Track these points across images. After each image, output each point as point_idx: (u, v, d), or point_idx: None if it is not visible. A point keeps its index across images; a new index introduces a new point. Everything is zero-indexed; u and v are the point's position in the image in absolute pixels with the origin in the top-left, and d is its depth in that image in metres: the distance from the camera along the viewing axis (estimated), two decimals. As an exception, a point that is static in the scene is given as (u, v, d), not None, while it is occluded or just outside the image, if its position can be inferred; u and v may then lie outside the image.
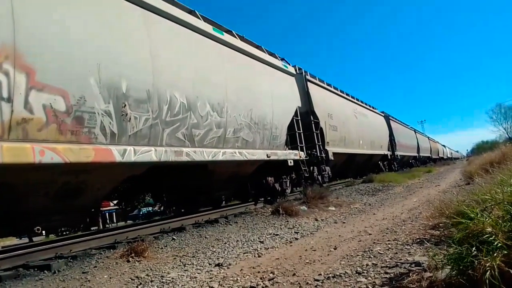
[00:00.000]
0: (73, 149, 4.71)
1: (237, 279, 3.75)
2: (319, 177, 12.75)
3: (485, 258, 2.21)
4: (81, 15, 5.13)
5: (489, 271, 2.12)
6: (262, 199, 10.87)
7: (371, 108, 23.30)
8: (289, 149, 11.01)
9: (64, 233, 7.61)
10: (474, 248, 2.37)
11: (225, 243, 5.69)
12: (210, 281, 3.80)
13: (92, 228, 8.88)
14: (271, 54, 11.24)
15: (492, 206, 2.88)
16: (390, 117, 27.62)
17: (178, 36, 7.10)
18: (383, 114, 26.43)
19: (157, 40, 6.41)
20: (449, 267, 2.46)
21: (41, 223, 5.20)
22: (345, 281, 3.24)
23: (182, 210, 9.79)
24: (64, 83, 4.69)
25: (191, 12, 7.94)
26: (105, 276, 4.27)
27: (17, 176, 4.55)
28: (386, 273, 3.22)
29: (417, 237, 4.40)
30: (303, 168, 11.44)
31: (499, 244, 2.31)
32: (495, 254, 2.23)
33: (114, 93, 5.38)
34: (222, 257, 4.81)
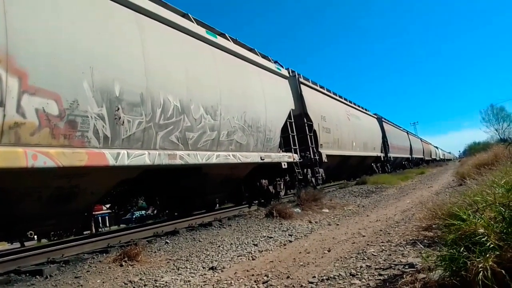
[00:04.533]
0: (66, 153, 4.68)
1: (231, 283, 3.74)
2: (313, 179, 12.78)
3: (477, 259, 2.23)
4: (74, 19, 5.11)
5: (481, 272, 2.14)
6: (256, 201, 10.86)
7: (364, 110, 23.41)
8: (283, 151, 11.03)
9: (56, 237, 7.53)
10: (466, 249, 2.39)
11: (219, 246, 5.68)
12: (204, 285, 3.79)
13: (84, 232, 8.80)
14: (264, 56, 11.26)
15: (484, 208, 2.91)
16: (383, 119, 27.76)
17: (172, 39, 7.10)
18: (376, 116, 26.55)
19: (150, 43, 6.39)
20: (442, 268, 2.48)
21: (34, 227, 5.16)
22: (339, 283, 3.25)
23: (176, 214, 9.74)
24: (57, 87, 4.66)
25: (184, 16, 7.94)
26: (98, 281, 4.24)
27: (9, 181, 4.51)
28: (380, 274, 3.24)
29: (411, 238, 4.43)
30: (297, 170, 11.46)
31: (492, 245, 2.34)
32: (487, 255, 2.25)
33: (107, 97, 5.36)
34: (216, 261, 4.80)
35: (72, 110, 4.84)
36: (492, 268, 2.16)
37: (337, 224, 6.96)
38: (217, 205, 11.18)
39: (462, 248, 2.42)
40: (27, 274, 4.62)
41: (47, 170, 4.57)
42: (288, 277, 3.68)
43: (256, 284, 3.59)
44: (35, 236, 5.81)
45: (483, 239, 2.41)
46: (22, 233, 5.22)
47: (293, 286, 3.38)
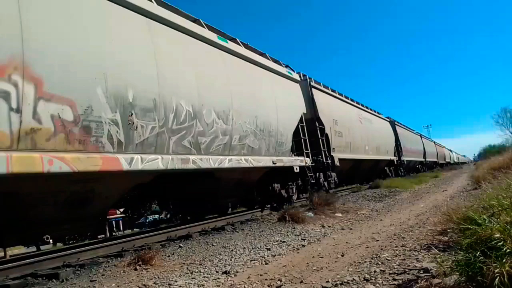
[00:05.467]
0: (81, 158, 4.75)
1: (244, 287, 3.74)
2: (325, 183, 12.73)
3: (494, 264, 2.20)
4: (87, 25, 5.20)
5: (498, 277, 2.12)
6: (269, 206, 10.85)
7: (376, 114, 23.26)
8: (294, 155, 11.01)
9: (72, 241, 7.62)
10: (482, 254, 2.36)
11: (232, 250, 5.69)
12: (217, 289, 3.80)
13: (99, 236, 8.89)
14: (275, 61, 11.28)
15: (500, 212, 2.87)
16: (396, 122, 27.54)
17: (183, 45, 7.17)
18: (388, 120, 26.36)
19: (162, 49, 6.46)
20: (457, 273, 2.45)
21: (50, 232, 5.23)
22: (353, 288, 3.23)
23: (189, 218, 9.79)
24: (72, 93, 4.74)
25: (195, 21, 8.01)
26: (113, 285, 4.28)
27: (26, 186, 4.60)
28: (395, 279, 3.21)
29: (425, 243, 4.38)
30: (309, 174, 11.43)
31: (508, 250, 2.31)
32: (504, 260, 2.22)
33: (120, 102, 5.42)
34: (229, 265, 4.80)
35: (86, 116, 4.91)
36: (509, 273, 2.13)
37: (351, 229, 6.91)
38: (230, 209, 11.20)
39: (477, 253, 2.39)
40: (44, 278, 4.69)
41: (63, 175, 4.63)
42: (301, 281, 3.67)
43: (270, 289, 3.58)
44: (51, 240, 5.89)
45: (499, 243, 2.38)
46: (38, 237, 5.29)
47: (306, 290, 3.37)
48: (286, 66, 11.96)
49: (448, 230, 4.31)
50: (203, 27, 8.09)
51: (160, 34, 6.56)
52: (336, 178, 13.48)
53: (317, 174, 12.32)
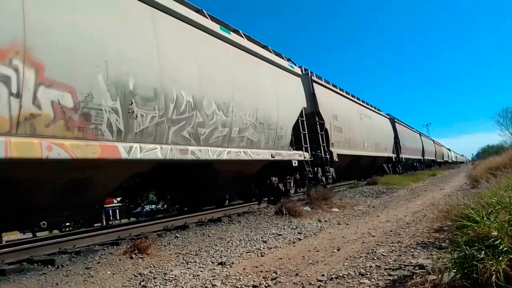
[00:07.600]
0: (80, 145, 4.73)
1: (239, 278, 3.75)
2: (323, 178, 12.73)
3: (490, 262, 2.21)
4: (89, 12, 5.15)
5: (494, 275, 2.12)
6: (266, 199, 10.87)
7: (377, 110, 23.23)
8: (293, 149, 11.01)
9: (68, 229, 7.63)
10: (479, 252, 2.36)
11: (228, 242, 5.71)
12: (213, 279, 3.81)
13: (95, 225, 8.91)
14: (277, 54, 11.23)
15: (498, 210, 2.87)
16: (396, 120, 27.53)
17: (186, 35, 7.12)
18: (388, 117, 26.34)
19: (164, 38, 6.42)
20: (453, 270, 2.45)
21: (46, 218, 5.23)
22: (348, 282, 3.24)
23: (186, 209, 9.80)
24: (72, 80, 4.71)
25: (198, 11, 7.94)
26: (108, 272, 4.29)
27: (24, 171, 4.58)
28: (390, 275, 3.22)
29: (421, 240, 4.39)
30: (307, 169, 11.43)
31: (505, 248, 2.31)
32: (500, 258, 2.22)
33: (121, 91, 5.39)
34: (225, 256, 4.82)
35: (86, 103, 4.88)
36: (505, 272, 2.14)
37: (347, 224, 6.93)
38: (227, 201, 11.22)
39: (474, 250, 2.39)
40: (39, 264, 4.70)
41: (61, 162, 4.62)
42: (297, 274, 3.68)
43: (265, 280, 3.59)
44: (47, 227, 5.89)
45: (496, 242, 2.38)
46: (35, 223, 5.29)
47: (301, 283, 3.38)
48: (288, 60, 11.91)
49: (445, 228, 4.33)
50: (206, 17, 8.03)
51: (163, 23, 6.51)
52: (334, 174, 13.49)
53: (315, 168, 12.32)
